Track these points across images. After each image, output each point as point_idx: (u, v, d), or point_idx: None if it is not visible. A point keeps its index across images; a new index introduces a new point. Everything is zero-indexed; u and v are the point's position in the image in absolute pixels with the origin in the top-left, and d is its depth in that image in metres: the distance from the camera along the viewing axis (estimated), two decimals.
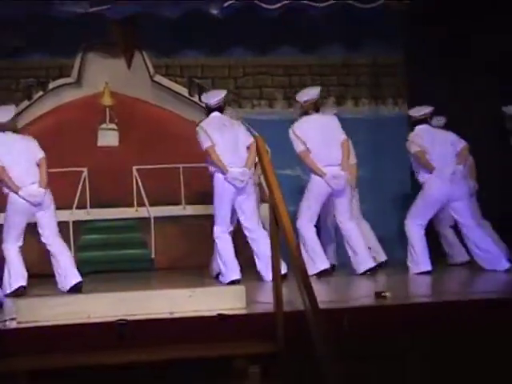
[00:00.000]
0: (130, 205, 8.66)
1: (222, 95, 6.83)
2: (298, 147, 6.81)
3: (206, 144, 6.51)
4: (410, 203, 8.56)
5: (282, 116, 8.81)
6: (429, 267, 6.61)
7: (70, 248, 8.33)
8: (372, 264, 6.63)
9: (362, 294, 4.92)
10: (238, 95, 9.05)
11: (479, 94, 8.11)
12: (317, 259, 6.68)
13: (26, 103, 8.62)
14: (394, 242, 8.33)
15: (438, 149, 6.88)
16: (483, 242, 6.59)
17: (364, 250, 6.73)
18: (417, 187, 8.73)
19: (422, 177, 6.93)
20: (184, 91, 8.98)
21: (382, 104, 9.24)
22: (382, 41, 9.06)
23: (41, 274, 7.59)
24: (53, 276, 7.62)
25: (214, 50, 8.98)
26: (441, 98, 8.27)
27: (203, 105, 8.22)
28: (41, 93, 8.69)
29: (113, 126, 8.78)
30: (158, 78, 8.98)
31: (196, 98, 8.94)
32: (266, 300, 4.41)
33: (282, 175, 7.98)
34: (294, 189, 7.72)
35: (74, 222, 8.48)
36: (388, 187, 8.92)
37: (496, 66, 7.99)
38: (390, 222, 8.68)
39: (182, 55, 9.00)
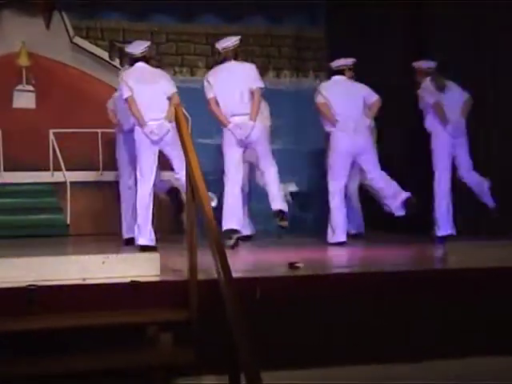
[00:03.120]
0: (46, 169, 8.50)
1: (147, 45, 6.55)
2: (208, 94, 6.56)
3: (125, 94, 6.33)
4: None
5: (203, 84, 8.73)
6: (343, 238, 6.69)
7: None
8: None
9: (276, 263, 4.96)
10: (159, 62, 8.93)
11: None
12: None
13: None
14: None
15: (345, 101, 6.88)
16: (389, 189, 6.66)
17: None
18: None
19: (328, 130, 6.99)
20: (104, 55, 8.82)
21: (303, 77, 9.31)
22: (305, 14, 9.14)
23: None
24: None
25: (137, 14, 8.84)
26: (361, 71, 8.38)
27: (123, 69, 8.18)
28: None
29: (29, 87, 8.56)
30: (77, 40, 8.78)
31: (117, 62, 8.80)
32: (181, 268, 4.40)
33: (202, 144, 7.99)
34: (213, 157, 7.72)
35: None
36: (307, 159, 9.01)
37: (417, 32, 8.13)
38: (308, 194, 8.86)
39: (104, 18, 8.82)
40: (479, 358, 4.25)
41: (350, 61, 7.17)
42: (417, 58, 7.76)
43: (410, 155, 8.01)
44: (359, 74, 7.57)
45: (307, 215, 8.85)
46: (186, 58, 9.00)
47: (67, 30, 8.72)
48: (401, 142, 8.24)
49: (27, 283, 3.88)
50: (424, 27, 7.95)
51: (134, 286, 4.02)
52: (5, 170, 8.35)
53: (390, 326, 4.17)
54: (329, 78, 7.64)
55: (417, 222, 7.07)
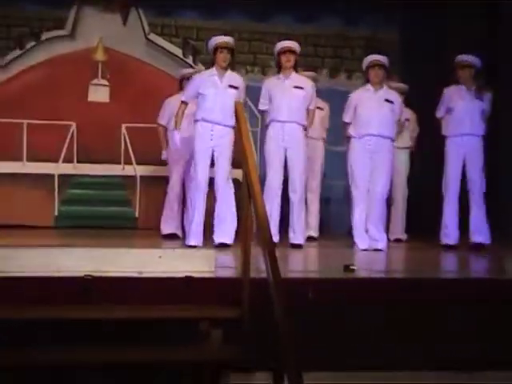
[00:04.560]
0: (118, 162, 8.69)
1: None
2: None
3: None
4: None
5: None
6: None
7: (54, 201, 8.45)
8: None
9: (332, 265, 4.94)
10: (232, 59, 9.01)
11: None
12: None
13: (17, 52, 8.60)
14: None
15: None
16: None
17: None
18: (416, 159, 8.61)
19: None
20: (178, 52, 8.97)
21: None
22: (379, 16, 9.06)
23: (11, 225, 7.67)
24: (22, 227, 7.71)
25: (211, 12, 8.97)
26: (433, 75, 8.26)
27: (197, 67, 8.31)
28: (33, 43, 8.66)
29: (104, 81, 8.78)
30: (152, 36, 8.95)
31: (190, 60, 8.94)
32: (237, 266, 4.43)
33: None
34: None
35: (59, 175, 8.52)
36: None
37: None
38: None
39: (179, 16, 8.98)
40: None
41: None
42: (491, 54, 7.62)
43: None
44: (434, 77, 7.48)
45: None
46: (258, 57, 9.06)
47: (143, 27, 8.91)
48: None
49: (84, 273, 3.97)
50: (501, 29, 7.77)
51: (188, 282, 4.07)
52: (78, 161, 8.58)
53: (439, 332, 4.10)
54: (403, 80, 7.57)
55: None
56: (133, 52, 8.84)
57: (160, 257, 4.29)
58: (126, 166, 8.70)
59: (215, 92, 6.13)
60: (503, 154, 7.94)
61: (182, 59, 8.89)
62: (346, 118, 6.68)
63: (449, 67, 8.23)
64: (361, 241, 6.43)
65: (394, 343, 4.01)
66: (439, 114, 6.79)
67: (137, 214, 8.69)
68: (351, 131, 6.60)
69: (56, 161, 8.49)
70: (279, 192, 6.43)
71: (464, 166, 6.59)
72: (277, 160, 6.42)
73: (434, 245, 6.68)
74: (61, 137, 8.50)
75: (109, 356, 3.76)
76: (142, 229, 8.48)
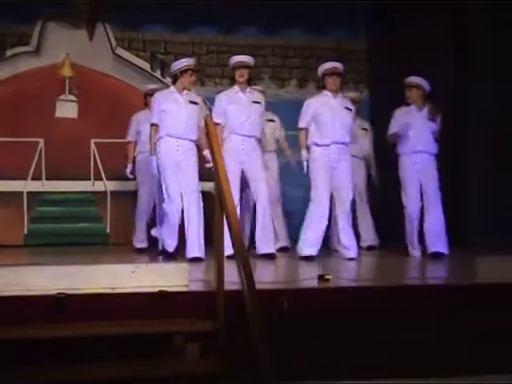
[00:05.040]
0: (87, 178, 8.62)
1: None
2: None
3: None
4: None
5: None
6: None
7: (23, 219, 8.35)
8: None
9: (306, 276, 4.93)
10: (201, 73, 9.01)
11: (440, 78, 8.16)
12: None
13: None
14: None
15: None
16: None
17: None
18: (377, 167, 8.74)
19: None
20: (146, 66, 8.94)
21: (344, 88, 9.26)
22: (346, 26, 9.14)
23: None
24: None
25: (178, 26, 8.95)
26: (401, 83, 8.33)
27: (165, 80, 8.30)
28: None
29: (72, 97, 8.71)
30: (120, 51, 8.91)
31: (158, 74, 8.92)
32: (210, 279, 4.41)
33: None
34: None
35: (28, 192, 8.43)
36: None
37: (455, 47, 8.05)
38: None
39: (146, 30, 8.95)
40: None
41: None
42: (458, 67, 7.71)
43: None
44: (399, 87, 7.54)
45: None
46: (227, 70, 9.02)
47: (110, 41, 8.86)
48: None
49: (57, 291, 3.92)
50: (468, 41, 7.85)
51: (163, 296, 4.04)
52: (47, 178, 8.49)
53: (420, 340, 4.11)
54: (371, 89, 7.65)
55: None
56: (100, 67, 8.79)
57: (133, 272, 4.25)
58: (96, 182, 8.63)
59: (177, 108, 6.26)
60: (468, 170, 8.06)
61: (149, 73, 8.85)
62: (302, 124, 6.58)
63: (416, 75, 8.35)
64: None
65: (371, 352, 4.00)
66: (391, 132, 6.84)
67: (108, 230, 8.62)
68: (315, 139, 6.51)
69: (24, 178, 8.39)
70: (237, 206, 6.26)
71: (420, 183, 6.73)
72: (236, 174, 6.40)
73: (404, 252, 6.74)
74: (29, 154, 8.41)
75: (85, 373, 3.71)
76: (113, 244, 8.41)
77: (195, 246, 6.11)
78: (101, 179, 8.62)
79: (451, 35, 8.09)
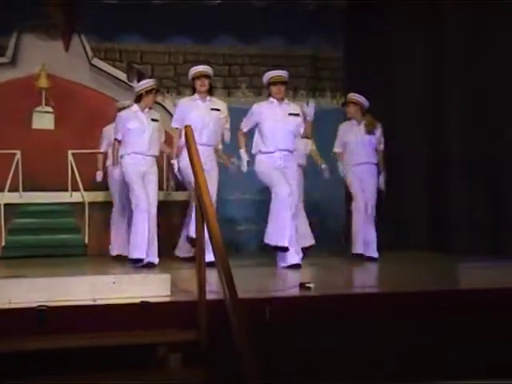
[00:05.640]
0: (65, 189, 8.57)
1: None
2: None
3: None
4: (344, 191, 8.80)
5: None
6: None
7: (1, 231, 8.28)
8: None
9: (288, 284, 4.95)
10: (177, 82, 9.03)
11: (414, 87, 8.25)
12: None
13: None
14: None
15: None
16: None
17: None
18: None
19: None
20: (122, 76, 8.93)
21: (320, 96, 9.33)
22: (323, 35, 9.20)
23: None
24: None
25: (154, 36, 8.96)
26: (378, 91, 8.41)
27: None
28: None
29: (48, 108, 8.68)
30: (96, 61, 8.89)
31: (135, 84, 8.88)
32: (192, 289, 4.41)
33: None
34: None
35: (5, 204, 8.37)
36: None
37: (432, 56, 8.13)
38: (327, 212, 8.87)
39: (122, 40, 8.94)
40: None
41: None
42: (436, 78, 7.80)
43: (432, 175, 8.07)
44: (375, 95, 7.61)
45: None
46: None
47: (86, 52, 8.85)
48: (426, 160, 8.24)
49: (38, 304, 3.90)
50: (444, 47, 7.93)
51: (144, 307, 4.03)
52: (24, 190, 8.44)
53: (399, 348, 4.14)
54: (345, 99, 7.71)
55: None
56: (77, 78, 8.77)
57: (114, 283, 4.24)
58: (74, 193, 8.59)
59: (140, 126, 6.62)
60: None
61: (126, 83, 8.83)
62: (245, 128, 6.64)
63: (393, 84, 8.43)
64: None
65: (355, 358, 4.03)
66: (336, 148, 7.40)
67: (86, 241, 8.58)
68: (259, 147, 6.55)
69: (1, 190, 8.34)
70: None
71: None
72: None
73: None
74: (5, 165, 8.35)
75: None
76: (91, 255, 8.36)
77: (154, 253, 6.57)
78: (78, 190, 8.57)
79: (428, 38, 8.16)
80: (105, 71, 8.90)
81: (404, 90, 8.33)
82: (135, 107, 6.71)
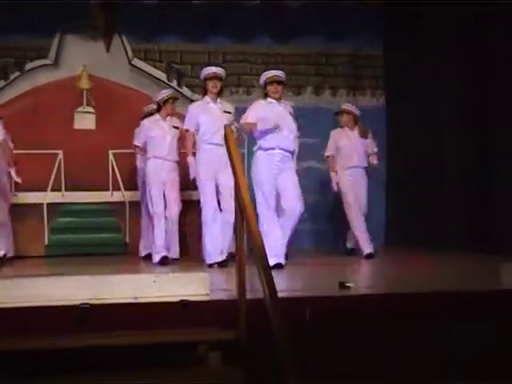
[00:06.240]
0: (106, 189, 8.67)
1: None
2: None
3: None
4: (384, 192, 8.75)
5: None
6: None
7: (43, 230, 8.43)
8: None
9: (327, 283, 4.94)
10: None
11: (455, 85, 8.15)
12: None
13: (2, 83, 8.61)
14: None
15: None
16: None
17: None
18: (392, 176, 8.87)
19: None
20: (162, 76, 8.99)
21: (360, 95, 9.29)
22: (362, 33, 9.12)
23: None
24: (18, 257, 7.67)
25: (194, 36, 8.99)
26: (418, 90, 8.35)
27: (182, 90, 8.38)
28: (17, 73, 8.66)
29: (90, 109, 8.77)
30: (136, 62, 8.97)
31: (174, 84, 8.96)
32: (231, 287, 4.43)
33: None
34: None
35: (48, 204, 8.49)
36: None
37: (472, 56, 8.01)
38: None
39: (162, 40, 9.00)
40: None
41: None
42: (476, 77, 7.68)
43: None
44: (414, 93, 7.56)
45: None
46: (242, 78, 9.09)
47: (126, 53, 8.92)
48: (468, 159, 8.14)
49: (80, 301, 3.95)
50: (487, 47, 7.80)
51: (184, 305, 4.06)
52: (66, 189, 8.56)
53: (440, 348, 4.10)
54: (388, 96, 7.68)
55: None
56: (117, 78, 8.85)
57: (154, 281, 4.28)
58: (115, 192, 8.68)
59: (162, 134, 7.18)
60: None
61: (166, 83, 8.89)
62: (252, 120, 6.48)
63: (433, 82, 8.34)
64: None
65: (394, 358, 4.00)
66: (328, 152, 7.74)
67: (127, 240, 8.66)
68: (260, 144, 6.45)
69: (44, 190, 8.47)
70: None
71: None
72: (211, 184, 6.57)
73: None
74: (48, 165, 8.48)
75: (109, 382, 3.73)
76: (132, 254, 8.43)
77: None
78: (119, 189, 8.67)
79: (470, 38, 8.04)
80: (145, 71, 8.97)
81: (445, 89, 8.22)
82: (157, 116, 7.29)
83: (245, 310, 3.93)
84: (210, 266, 6.47)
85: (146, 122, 7.37)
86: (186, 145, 6.85)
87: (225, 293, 4.48)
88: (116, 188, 8.68)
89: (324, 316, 4.07)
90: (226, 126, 4.49)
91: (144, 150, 7.39)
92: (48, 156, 8.45)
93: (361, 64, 9.34)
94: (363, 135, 7.55)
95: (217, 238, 6.47)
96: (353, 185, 7.54)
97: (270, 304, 3.47)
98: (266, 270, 3.54)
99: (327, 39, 9.14)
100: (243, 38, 9.03)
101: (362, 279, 5.34)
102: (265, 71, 6.76)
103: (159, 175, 7.11)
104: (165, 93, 7.42)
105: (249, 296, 4.02)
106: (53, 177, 8.48)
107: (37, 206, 8.48)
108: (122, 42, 8.90)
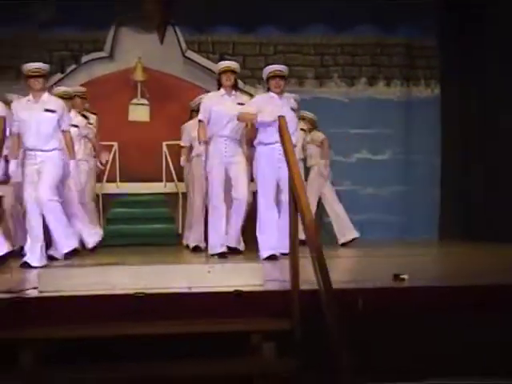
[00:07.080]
0: (159, 180, 8.76)
1: None
2: None
3: None
4: (439, 184, 8.61)
5: (313, 95, 8.83)
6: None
7: (99, 221, 8.55)
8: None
9: (380, 275, 4.90)
10: None
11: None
12: None
13: (59, 76, 8.75)
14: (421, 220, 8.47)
15: None
16: None
17: None
18: (447, 168, 8.74)
19: None
20: (215, 67, 9.01)
21: (414, 86, 9.18)
22: (415, 23, 9.01)
23: None
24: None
25: (246, 27, 9.01)
26: (473, 80, 8.21)
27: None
28: (74, 66, 8.80)
29: (144, 101, 8.87)
30: (190, 53, 9.02)
31: None
32: (284, 278, 4.43)
33: None
34: None
35: (103, 194, 8.62)
36: (418, 169, 8.89)
37: None
38: (419, 203, 8.73)
39: (215, 32, 9.04)
40: None
41: None
42: None
43: None
44: (468, 83, 7.43)
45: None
46: (294, 69, 9.05)
47: (180, 45, 8.99)
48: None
49: (135, 291, 4.01)
50: None
51: (238, 295, 4.08)
52: (120, 180, 8.67)
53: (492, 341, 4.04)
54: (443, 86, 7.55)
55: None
56: (171, 70, 8.93)
57: (209, 272, 4.31)
58: (168, 184, 8.76)
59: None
60: None
61: None
62: (254, 111, 6.46)
63: (491, 74, 8.18)
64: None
65: (452, 351, 3.96)
66: None
67: (180, 231, 8.74)
68: (261, 138, 6.48)
69: (100, 181, 8.59)
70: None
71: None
72: (220, 175, 6.55)
73: None
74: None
75: (162, 370, 3.78)
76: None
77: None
78: (172, 181, 8.75)
79: None
80: (198, 63, 9.01)
81: (503, 80, 8.05)
82: (222, 91, 6.74)
83: (298, 301, 3.93)
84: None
85: (208, 96, 6.95)
86: (199, 134, 6.80)
87: (279, 283, 4.48)
88: (169, 179, 8.76)
89: (377, 308, 4.04)
90: (280, 117, 4.48)
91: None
92: (104, 147, 8.57)
93: (415, 54, 9.23)
94: None
95: (221, 229, 6.52)
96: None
97: (325, 295, 3.46)
98: (321, 261, 3.53)
99: (381, 29, 9.05)
100: (295, 28, 9.00)
101: (416, 271, 5.27)
102: (270, 65, 6.71)
103: (223, 157, 6.62)
104: (223, 63, 6.93)
105: (303, 287, 4.02)
106: (108, 168, 8.60)
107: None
108: (176, 34, 8.98)
